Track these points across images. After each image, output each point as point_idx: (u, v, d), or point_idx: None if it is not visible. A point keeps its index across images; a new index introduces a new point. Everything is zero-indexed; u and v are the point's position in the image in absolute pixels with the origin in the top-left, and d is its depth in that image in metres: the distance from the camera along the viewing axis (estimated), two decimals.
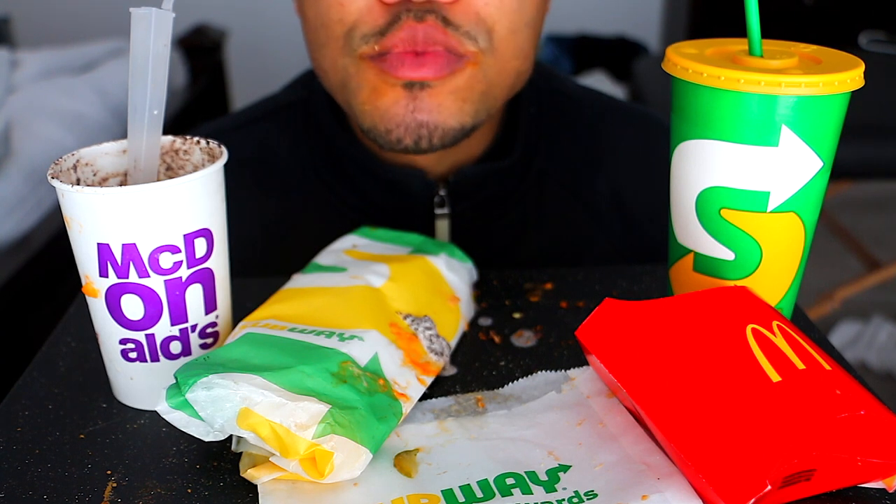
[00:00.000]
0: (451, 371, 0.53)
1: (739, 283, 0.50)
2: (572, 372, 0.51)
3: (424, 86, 0.64)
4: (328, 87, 0.70)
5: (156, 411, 0.47)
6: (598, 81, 2.60)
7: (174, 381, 0.43)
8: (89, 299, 0.49)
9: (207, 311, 0.50)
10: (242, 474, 0.43)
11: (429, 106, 0.64)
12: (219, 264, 0.50)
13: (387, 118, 0.65)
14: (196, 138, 0.53)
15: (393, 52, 0.63)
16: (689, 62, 0.47)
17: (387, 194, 0.73)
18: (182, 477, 0.44)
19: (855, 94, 0.48)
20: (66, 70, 1.91)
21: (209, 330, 0.50)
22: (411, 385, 0.48)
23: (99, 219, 0.46)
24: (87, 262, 0.47)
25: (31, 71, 1.86)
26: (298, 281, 0.55)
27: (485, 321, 0.58)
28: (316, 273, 0.55)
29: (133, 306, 0.48)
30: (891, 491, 0.41)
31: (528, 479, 0.42)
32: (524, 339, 0.56)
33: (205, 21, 2.28)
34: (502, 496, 0.41)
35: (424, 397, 0.50)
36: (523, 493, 0.41)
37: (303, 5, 0.67)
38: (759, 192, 0.48)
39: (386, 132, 0.65)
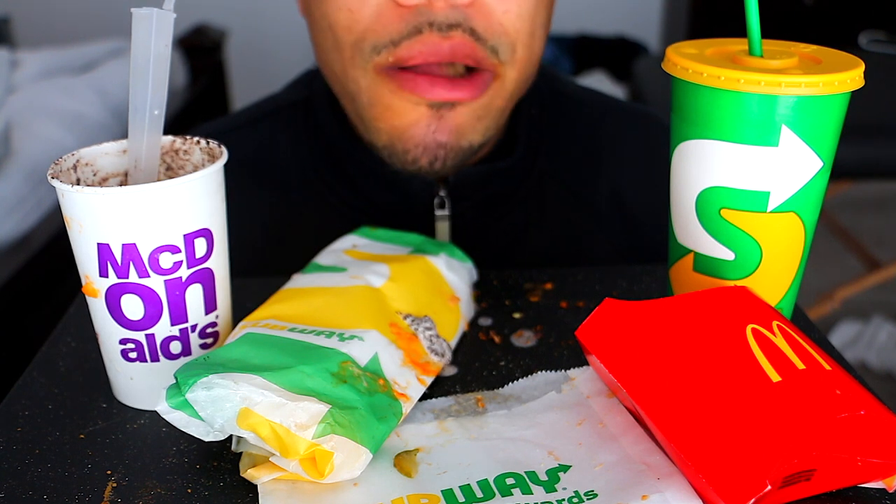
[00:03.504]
0: (451, 371, 0.53)
1: (739, 283, 0.50)
2: (572, 372, 0.51)
3: (455, 104, 0.63)
4: (335, 92, 0.69)
5: (156, 411, 0.47)
6: (598, 81, 2.60)
7: (174, 381, 0.43)
8: (89, 299, 0.49)
9: (207, 311, 0.50)
10: (242, 474, 0.43)
11: (450, 127, 0.64)
12: (219, 264, 0.50)
13: (405, 138, 0.64)
14: (196, 138, 0.53)
15: (419, 70, 0.61)
16: (689, 62, 0.47)
17: (387, 194, 0.73)
18: (182, 477, 0.44)
19: (855, 94, 0.48)
20: (66, 70, 1.91)
21: (209, 330, 0.50)
22: (411, 385, 0.48)
23: (99, 219, 0.46)
24: (87, 262, 0.47)
25: (31, 71, 1.86)
26: (298, 281, 0.55)
27: (485, 321, 0.58)
28: (316, 273, 0.55)
29: (133, 306, 0.48)
30: (891, 491, 0.41)
31: (528, 479, 0.42)
32: (524, 339, 0.56)
33: (205, 21, 2.28)
34: (502, 496, 0.41)
35: (424, 397, 0.50)
36: (523, 493, 0.41)
37: (309, 6, 0.67)
38: (759, 192, 0.48)
39: (403, 152, 0.65)
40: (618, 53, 2.63)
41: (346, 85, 0.66)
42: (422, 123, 0.63)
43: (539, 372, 0.52)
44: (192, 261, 0.48)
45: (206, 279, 0.49)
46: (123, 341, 0.49)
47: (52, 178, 0.47)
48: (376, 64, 0.63)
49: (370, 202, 0.74)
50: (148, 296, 0.47)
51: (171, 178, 0.53)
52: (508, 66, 0.64)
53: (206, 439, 0.43)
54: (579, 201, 0.77)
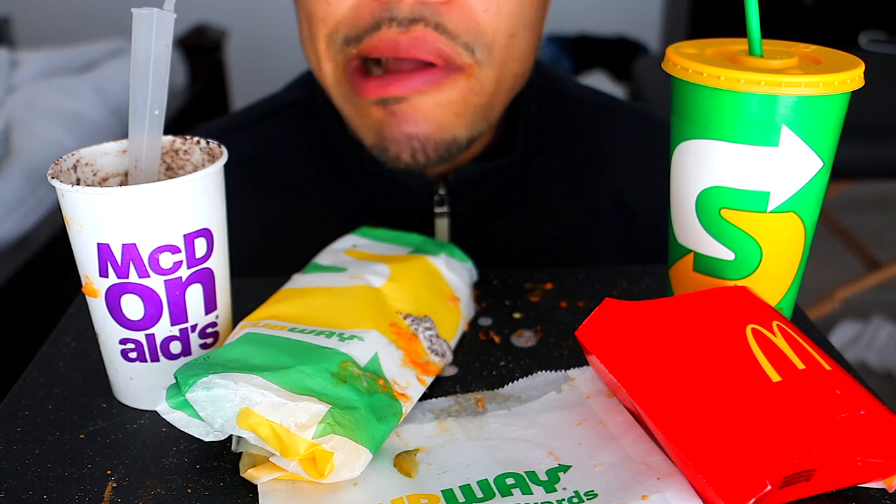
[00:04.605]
0: (451, 371, 0.53)
1: (739, 283, 0.50)
2: (572, 372, 0.51)
3: (400, 100, 0.63)
4: (320, 83, 0.70)
5: (156, 411, 0.47)
6: (598, 81, 2.60)
7: (174, 381, 0.43)
8: (89, 299, 0.49)
9: (207, 311, 0.50)
10: (242, 474, 0.43)
11: (413, 118, 0.63)
12: (219, 264, 0.50)
13: (380, 135, 0.65)
14: (196, 138, 0.53)
15: (364, 67, 0.62)
16: (689, 62, 0.47)
17: (386, 193, 0.73)
18: (182, 477, 0.44)
19: (855, 94, 0.48)
20: (66, 70, 1.92)
21: (209, 330, 0.50)
22: (411, 385, 0.48)
23: (99, 219, 0.46)
24: (87, 262, 0.47)
25: (31, 71, 1.86)
26: (298, 281, 0.55)
27: (485, 321, 0.58)
28: (316, 273, 0.55)
29: (133, 306, 0.48)
30: (891, 491, 0.41)
31: (528, 479, 0.42)
32: (524, 339, 0.56)
33: (205, 21, 2.28)
34: (502, 496, 0.41)
35: (424, 397, 0.50)
36: (523, 493, 0.41)
37: (297, 1, 0.67)
38: (759, 192, 0.48)
39: (383, 150, 0.66)
40: (618, 53, 2.63)
41: (325, 79, 0.67)
42: (384, 120, 0.64)
43: (539, 372, 0.52)
44: (192, 261, 0.48)
45: (206, 279, 0.49)
46: (123, 341, 0.49)
47: (52, 178, 0.47)
48: (344, 57, 0.63)
49: (370, 201, 0.74)
50: (148, 296, 0.47)
51: (171, 178, 0.53)
52: (485, 65, 0.63)
53: (206, 439, 0.43)
54: (579, 200, 0.77)
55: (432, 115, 0.63)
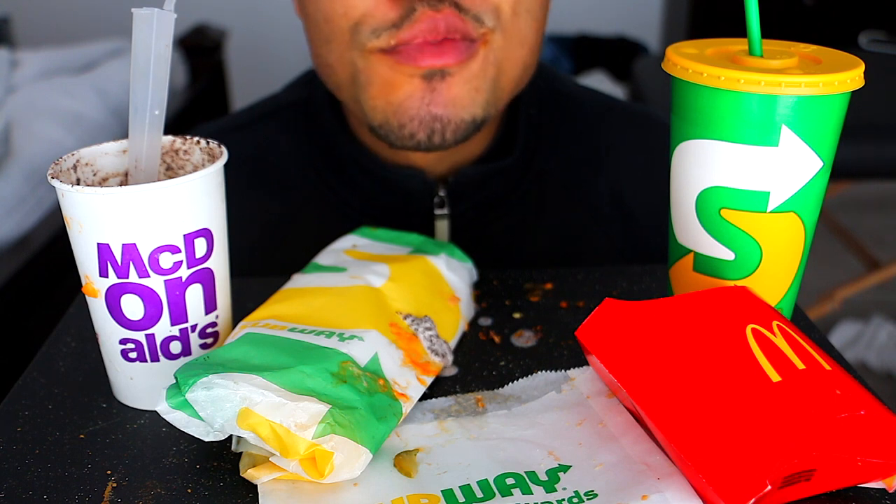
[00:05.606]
0: (451, 371, 0.53)
1: (739, 283, 0.50)
2: (572, 372, 0.51)
3: (445, 74, 0.63)
4: (333, 84, 0.69)
5: (156, 411, 0.47)
6: (598, 81, 2.60)
7: (174, 381, 0.43)
8: (89, 299, 0.49)
9: (207, 311, 0.50)
10: (242, 474, 0.43)
11: (444, 99, 0.64)
12: (219, 264, 0.50)
13: (400, 112, 0.65)
14: (196, 138, 0.53)
15: (412, 44, 0.63)
16: (689, 62, 0.47)
17: (387, 195, 0.73)
18: (182, 477, 0.44)
19: (855, 94, 0.48)
20: (66, 70, 1.92)
21: (209, 330, 0.50)
22: (411, 385, 0.49)
23: (99, 219, 0.46)
24: (87, 262, 0.47)
25: (31, 71, 1.86)
26: (298, 281, 0.55)
27: (485, 321, 0.58)
28: (316, 273, 0.55)
29: (133, 306, 0.48)
30: (891, 491, 0.41)
31: (528, 479, 0.42)
32: (524, 339, 0.56)
33: (205, 21, 2.28)
34: (502, 496, 0.41)
35: (424, 397, 0.50)
36: (523, 493, 0.41)
37: (304, 4, 0.67)
38: (759, 192, 0.48)
39: (399, 127, 0.65)
40: (618, 53, 2.63)
41: (345, 71, 0.66)
42: (416, 96, 0.64)
43: (539, 372, 0.52)
44: (192, 261, 0.48)
45: (206, 279, 0.49)
46: (123, 341, 0.49)
47: (52, 178, 0.47)
48: (374, 47, 0.63)
49: (370, 202, 0.74)
50: (148, 296, 0.47)
51: (171, 178, 0.53)
52: (496, 31, 0.64)
53: (206, 439, 0.43)
54: (579, 201, 0.77)
55: (460, 95, 0.64)
